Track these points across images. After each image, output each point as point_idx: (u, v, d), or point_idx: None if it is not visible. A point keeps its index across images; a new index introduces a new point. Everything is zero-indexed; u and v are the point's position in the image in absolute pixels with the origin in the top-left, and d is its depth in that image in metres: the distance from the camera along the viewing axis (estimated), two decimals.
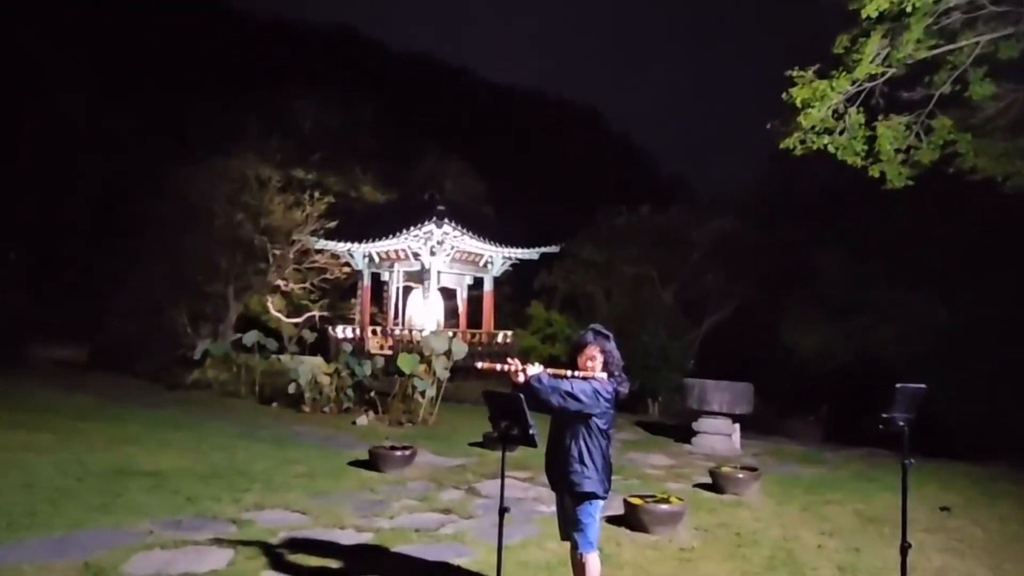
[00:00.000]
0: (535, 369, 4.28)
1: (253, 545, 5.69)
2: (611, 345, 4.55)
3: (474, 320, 25.15)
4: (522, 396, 3.85)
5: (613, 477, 4.62)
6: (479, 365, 4.60)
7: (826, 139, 9.53)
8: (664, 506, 6.73)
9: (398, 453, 9.01)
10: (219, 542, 5.78)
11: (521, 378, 4.24)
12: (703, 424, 11.98)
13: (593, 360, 4.50)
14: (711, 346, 21.25)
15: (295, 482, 8.09)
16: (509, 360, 4.32)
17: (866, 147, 9.60)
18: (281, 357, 17.58)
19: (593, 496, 4.48)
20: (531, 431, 3.77)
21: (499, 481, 8.43)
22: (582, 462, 4.45)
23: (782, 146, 9.65)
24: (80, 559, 5.25)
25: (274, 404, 14.32)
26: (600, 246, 23.23)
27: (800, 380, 17.97)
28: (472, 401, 16.84)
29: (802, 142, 9.59)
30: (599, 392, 4.39)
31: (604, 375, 4.46)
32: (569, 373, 4.39)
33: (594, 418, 4.42)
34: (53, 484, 7.40)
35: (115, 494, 7.11)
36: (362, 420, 12.68)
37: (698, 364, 18.01)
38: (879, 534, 7.00)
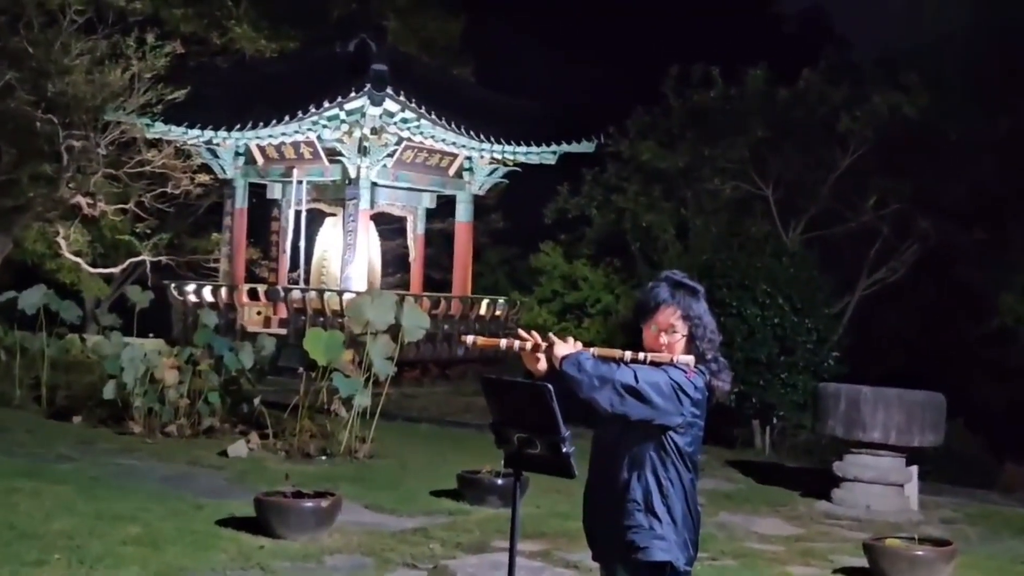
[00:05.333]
0: (568, 347, 4.41)
1: None
2: (701, 307, 4.68)
3: (436, 275, 25.39)
4: (550, 387, 4.00)
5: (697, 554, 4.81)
6: (469, 340, 4.74)
7: None
8: None
9: (308, 505, 9.23)
10: None
11: (542, 364, 4.40)
12: (853, 465, 12.24)
13: (670, 332, 4.63)
14: (869, 328, 21.51)
15: (126, 552, 8.31)
16: (522, 333, 4.48)
17: None
18: (87, 336, 17.71)
19: (668, 569, 4.65)
20: (565, 448, 3.93)
21: (483, 556, 8.73)
22: (650, 510, 4.61)
23: None
24: None
25: (76, 418, 14.55)
26: (670, 142, 23.32)
27: None
28: (433, 418, 17.08)
29: None
30: (680, 388, 4.52)
31: (690, 359, 4.56)
32: (628, 355, 4.49)
33: (672, 433, 4.58)
34: None
35: None
36: (238, 448, 12.94)
37: (846, 359, 18.27)
38: None
